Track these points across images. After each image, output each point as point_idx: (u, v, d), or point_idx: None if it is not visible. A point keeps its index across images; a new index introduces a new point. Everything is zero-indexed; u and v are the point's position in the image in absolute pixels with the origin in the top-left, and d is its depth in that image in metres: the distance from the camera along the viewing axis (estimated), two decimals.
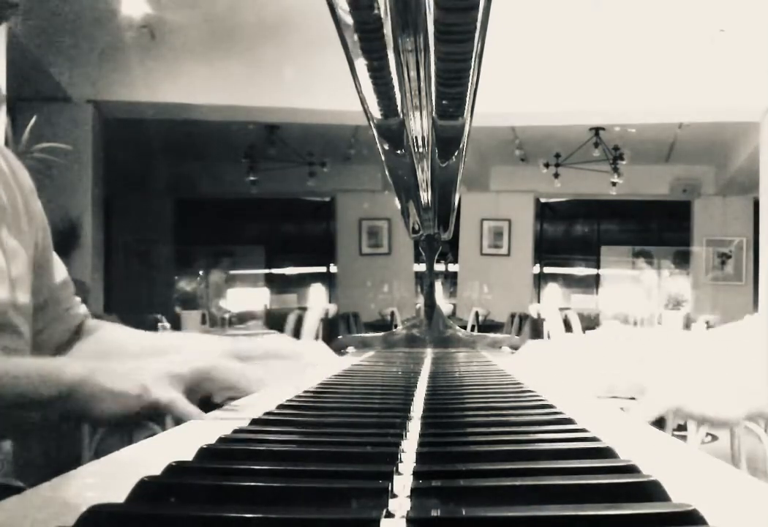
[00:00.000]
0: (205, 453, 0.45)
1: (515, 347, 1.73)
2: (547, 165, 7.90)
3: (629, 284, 9.77)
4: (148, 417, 0.73)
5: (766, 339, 0.76)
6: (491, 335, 1.81)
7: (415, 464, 0.42)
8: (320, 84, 4.87)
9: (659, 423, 4.47)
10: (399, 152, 1.16)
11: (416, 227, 1.75)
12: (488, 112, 4.83)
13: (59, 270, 1.05)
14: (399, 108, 0.93)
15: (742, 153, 7.49)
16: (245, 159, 8.04)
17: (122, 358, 0.98)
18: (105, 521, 0.33)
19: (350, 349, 1.77)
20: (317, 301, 9.48)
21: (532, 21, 4.95)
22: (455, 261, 9.05)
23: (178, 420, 0.69)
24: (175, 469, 0.40)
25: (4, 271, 0.86)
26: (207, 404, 0.82)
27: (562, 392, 0.81)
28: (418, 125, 1.00)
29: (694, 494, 0.37)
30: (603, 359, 0.83)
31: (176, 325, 6.28)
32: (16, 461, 0.90)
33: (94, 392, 0.70)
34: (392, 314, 7.80)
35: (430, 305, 1.77)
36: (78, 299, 1.10)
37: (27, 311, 0.90)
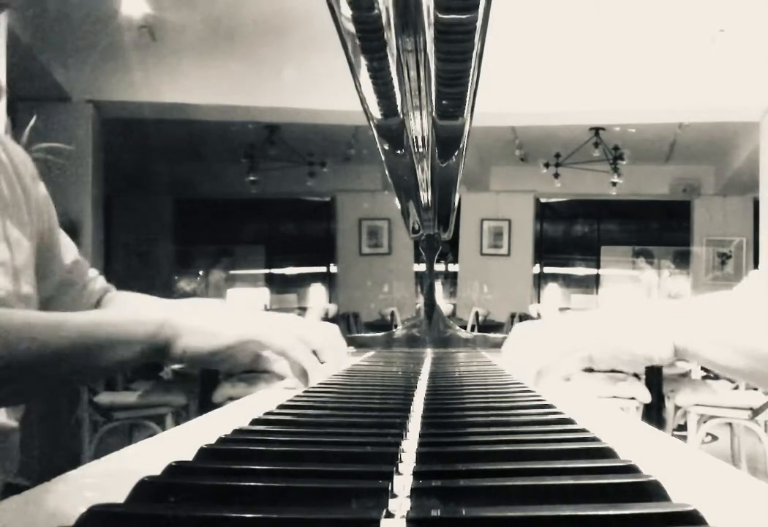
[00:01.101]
0: (205, 453, 0.45)
1: None
2: (547, 165, 7.90)
3: (629, 284, 9.77)
4: (237, 355, 0.77)
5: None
6: (491, 335, 1.81)
7: (415, 464, 0.43)
8: (320, 84, 4.87)
9: (659, 423, 4.47)
10: (399, 152, 1.16)
11: (416, 227, 1.75)
12: (488, 112, 4.84)
13: (69, 251, 1.05)
14: (399, 108, 0.93)
15: (742, 153, 7.49)
16: (245, 159, 8.04)
17: None
18: (105, 521, 0.33)
19: (350, 349, 1.77)
20: (317, 301, 9.48)
21: (532, 21, 4.95)
22: (455, 261, 9.05)
23: (178, 421, 0.69)
24: (175, 469, 0.40)
25: (8, 262, 0.86)
26: (207, 403, 0.82)
27: (561, 392, 0.81)
28: (418, 125, 1.00)
29: (694, 494, 0.37)
30: (569, 336, 0.85)
31: None
32: (19, 460, 0.90)
33: (180, 327, 0.74)
34: (392, 314, 7.79)
35: (430, 305, 1.77)
36: (95, 273, 1.11)
37: (31, 301, 0.91)
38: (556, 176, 7.94)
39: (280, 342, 0.78)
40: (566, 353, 0.82)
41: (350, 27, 0.69)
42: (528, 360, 0.87)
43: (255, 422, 0.59)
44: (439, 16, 0.64)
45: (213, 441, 0.48)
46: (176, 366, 3.92)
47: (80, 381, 0.84)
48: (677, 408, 4.21)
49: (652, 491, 0.36)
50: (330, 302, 9.19)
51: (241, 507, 0.34)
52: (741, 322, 0.73)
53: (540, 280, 9.80)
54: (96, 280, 1.10)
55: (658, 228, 10.06)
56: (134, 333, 0.73)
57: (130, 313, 0.79)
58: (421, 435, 0.51)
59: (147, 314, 0.76)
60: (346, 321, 7.31)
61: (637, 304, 0.83)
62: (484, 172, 9.04)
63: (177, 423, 3.36)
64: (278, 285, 9.95)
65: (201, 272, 9.86)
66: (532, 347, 0.88)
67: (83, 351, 0.70)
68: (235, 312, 0.83)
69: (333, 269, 9.59)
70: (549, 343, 0.84)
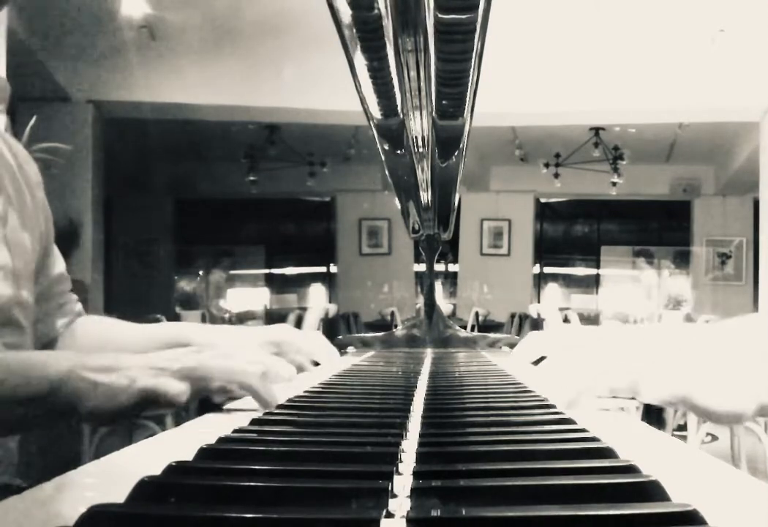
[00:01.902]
0: (205, 453, 0.45)
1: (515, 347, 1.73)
2: (547, 165, 7.90)
3: (629, 284, 9.77)
4: (140, 409, 0.69)
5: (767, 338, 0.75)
6: (491, 335, 1.81)
7: (415, 464, 0.43)
8: (320, 84, 4.87)
9: (659, 423, 4.47)
10: (399, 152, 1.16)
11: (416, 227, 1.75)
12: (488, 112, 4.84)
13: (58, 263, 1.04)
14: (399, 108, 0.93)
15: (742, 153, 7.49)
16: (245, 159, 8.04)
17: (110, 351, 0.98)
18: (105, 521, 0.33)
19: (350, 349, 1.77)
20: (317, 301, 9.48)
21: (532, 21, 4.95)
22: (455, 261, 9.05)
23: (179, 421, 0.69)
24: (175, 469, 0.40)
25: (9, 268, 0.86)
26: (206, 404, 0.82)
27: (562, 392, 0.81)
28: (418, 125, 1.00)
29: (694, 494, 0.37)
30: (602, 358, 0.81)
31: None
32: (18, 460, 0.90)
33: (80, 387, 0.66)
34: (392, 314, 7.79)
35: (430, 305, 1.77)
36: (74, 296, 1.08)
37: (29, 307, 0.90)
38: (556, 176, 7.94)
39: (174, 390, 0.69)
40: (617, 388, 0.75)
41: (350, 27, 0.69)
42: (571, 381, 0.80)
43: (255, 422, 0.59)
44: (439, 16, 0.64)
45: (213, 441, 0.48)
46: None
47: None
48: None
49: (652, 491, 0.36)
50: (330, 302, 9.20)
51: (241, 507, 0.34)
52: None
53: (540, 280, 9.80)
54: (74, 302, 1.07)
55: (658, 228, 10.06)
56: (24, 391, 0.65)
57: (28, 364, 0.68)
58: (421, 435, 0.51)
59: (46, 368, 0.67)
60: (346, 321, 7.31)
61: (708, 344, 0.75)
62: (484, 172, 9.04)
63: (177, 423, 3.36)
64: (278, 285, 9.95)
65: (201, 272, 9.86)
66: (579, 367, 0.80)
67: None
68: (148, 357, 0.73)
69: (333, 269, 9.59)
70: (600, 368, 0.77)
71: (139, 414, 0.71)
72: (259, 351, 0.92)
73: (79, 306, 1.09)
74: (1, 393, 0.65)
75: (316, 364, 1.13)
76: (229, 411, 0.76)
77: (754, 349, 0.72)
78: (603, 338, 0.82)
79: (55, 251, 1.04)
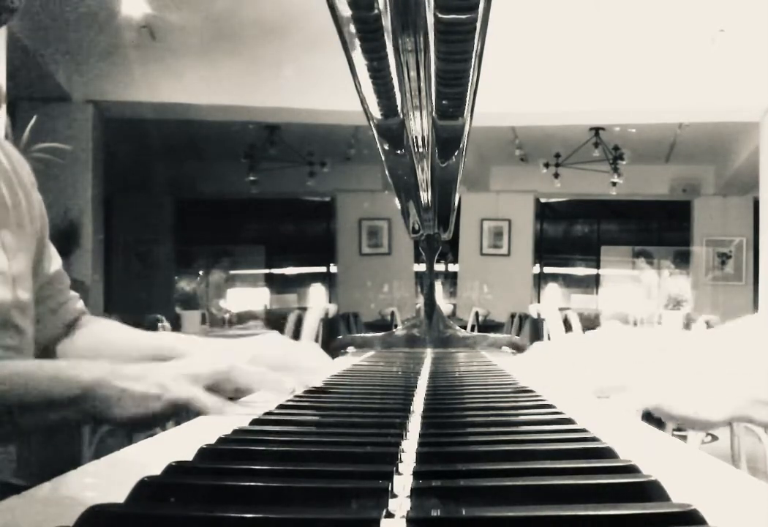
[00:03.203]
0: (205, 453, 0.45)
1: (516, 347, 1.73)
2: (547, 165, 7.90)
3: (629, 284, 9.77)
4: (168, 417, 0.72)
5: (766, 339, 0.75)
6: (491, 335, 1.81)
7: (415, 464, 0.43)
8: (320, 84, 4.87)
9: (659, 423, 4.47)
10: (399, 152, 1.15)
11: (416, 227, 1.75)
12: (488, 112, 4.84)
13: (54, 261, 1.04)
14: (399, 108, 0.93)
15: (742, 153, 7.49)
16: (245, 159, 8.04)
17: (112, 355, 0.98)
18: (105, 521, 0.33)
19: (350, 349, 1.77)
20: (317, 301, 9.48)
21: (532, 21, 4.95)
22: (455, 261, 9.05)
23: (179, 421, 0.69)
24: (175, 469, 0.40)
25: (6, 271, 0.86)
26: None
27: (562, 392, 0.81)
28: (418, 125, 1.00)
29: (694, 494, 0.37)
30: (595, 360, 0.82)
31: (176, 325, 6.27)
32: (18, 460, 0.90)
33: (111, 393, 0.69)
34: (392, 314, 7.79)
35: (430, 305, 1.77)
36: (75, 294, 1.08)
37: (28, 309, 0.90)
38: (556, 176, 7.94)
39: (206, 402, 0.71)
40: (605, 389, 0.78)
41: (350, 27, 0.69)
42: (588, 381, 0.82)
43: (255, 422, 0.59)
44: (439, 16, 0.64)
45: (213, 441, 0.48)
46: None
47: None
48: None
49: (652, 491, 0.36)
50: (330, 302, 9.19)
51: (241, 507, 0.34)
52: None
53: (540, 280, 9.80)
54: (75, 300, 1.08)
55: (658, 228, 10.07)
56: (56, 397, 0.68)
57: (59, 370, 0.72)
58: (421, 435, 0.51)
59: (77, 375, 0.70)
60: (346, 321, 7.31)
61: (685, 352, 0.78)
62: (484, 172, 9.04)
63: (177, 423, 3.36)
64: (278, 285, 9.95)
65: (201, 272, 9.86)
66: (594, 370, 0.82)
67: None
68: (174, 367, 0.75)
69: (333, 269, 9.59)
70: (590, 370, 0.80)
71: (167, 420, 0.74)
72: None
73: (80, 304, 1.08)
74: (33, 397, 0.67)
75: None
76: (229, 410, 0.76)
77: (746, 355, 0.74)
78: (599, 345, 0.84)
79: (51, 250, 1.03)
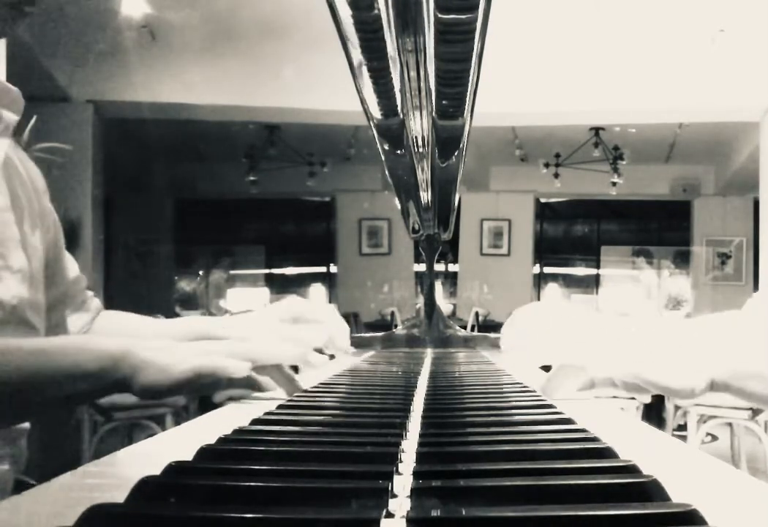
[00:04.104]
0: (205, 453, 0.45)
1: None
2: (547, 165, 7.89)
3: (629, 284, 9.77)
4: (196, 387, 0.74)
5: (764, 328, 0.76)
6: (491, 335, 1.81)
7: (415, 464, 0.43)
8: (320, 84, 4.86)
9: (659, 423, 4.46)
10: (399, 152, 1.15)
11: (416, 227, 1.75)
12: (488, 112, 4.84)
13: (72, 266, 1.07)
14: (399, 108, 0.93)
15: (742, 153, 7.48)
16: (245, 159, 8.04)
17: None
18: (105, 521, 0.33)
19: (350, 349, 1.77)
20: (317, 301, 9.48)
21: (532, 21, 4.95)
22: (455, 261, 9.05)
23: (179, 421, 0.69)
24: (175, 469, 0.40)
25: (26, 270, 0.87)
26: (208, 404, 0.82)
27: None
28: (418, 125, 1.00)
29: (694, 494, 0.37)
30: (577, 337, 0.82)
31: None
32: (29, 455, 0.91)
33: (137, 364, 0.71)
34: (392, 314, 7.79)
35: (430, 305, 1.77)
36: (91, 293, 1.12)
37: (41, 308, 0.92)
38: (556, 176, 7.94)
39: (235, 371, 0.74)
40: (590, 374, 0.78)
41: (350, 27, 0.69)
42: (547, 355, 0.83)
43: (255, 422, 0.59)
44: (439, 16, 0.64)
45: (213, 441, 0.48)
46: None
47: (25, 414, 0.81)
48: (677, 408, 4.21)
49: (652, 491, 0.36)
50: (330, 302, 9.19)
51: (241, 507, 0.34)
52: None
53: (540, 280, 9.80)
54: (92, 299, 1.11)
55: (658, 228, 10.07)
56: (86, 367, 0.70)
57: (87, 343, 0.75)
58: (421, 435, 0.51)
59: (104, 346, 0.73)
60: (346, 321, 7.31)
61: (666, 329, 0.79)
62: (484, 172, 9.04)
63: (177, 423, 3.36)
64: (278, 285, 9.95)
65: (201, 272, 9.86)
66: (554, 342, 0.83)
67: (29, 381, 0.68)
68: (197, 343, 0.79)
69: (333, 269, 9.59)
70: (575, 351, 0.80)
71: (193, 391, 0.76)
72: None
73: (97, 302, 1.12)
74: (64, 369, 0.69)
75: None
76: (229, 410, 0.76)
77: (716, 333, 0.76)
78: (583, 320, 0.84)
79: (67, 255, 1.07)
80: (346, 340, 1.08)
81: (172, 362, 0.72)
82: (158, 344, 0.76)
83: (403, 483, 0.38)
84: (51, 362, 0.69)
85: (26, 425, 0.89)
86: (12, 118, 0.93)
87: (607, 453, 0.44)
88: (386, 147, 1.15)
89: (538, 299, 9.45)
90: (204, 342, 0.82)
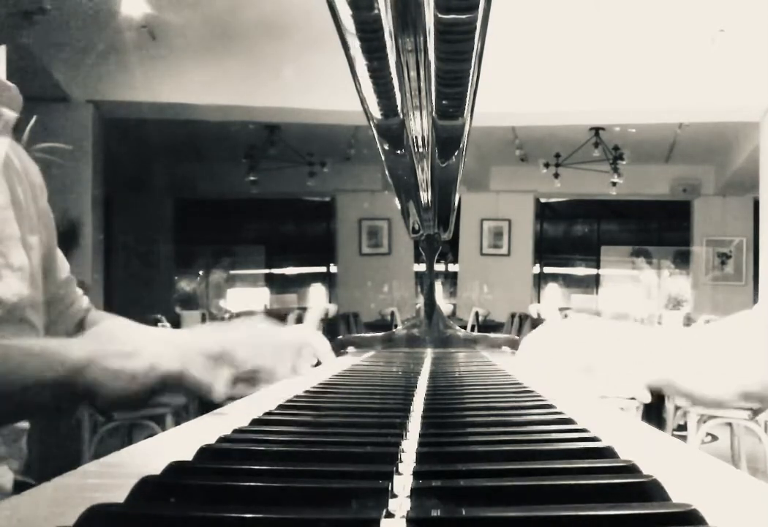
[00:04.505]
0: (205, 453, 0.45)
1: (515, 347, 1.73)
2: (547, 165, 7.89)
3: (629, 284, 9.77)
4: (160, 393, 0.72)
5: (765, 333, 0.76)
6: (491, 335, 1.81)
7: (415, 464, 0.43)
8: (320, 84, 4.87)
9: (659, 423, 4.46)
10: (399, 152, 1.15)
11: (416, 227, 1.75)
12: (488, 112, 4.84)
13: (63, 267, 1.07)
14: (399, 108, 0.93)
15: (742, 153, 7.48)
16: (245, 159, 8.04)
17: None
18: (105, 521, 0.33)
19: (350, 349, 1.77)
20: (317, 301, 9.48)
21: (532, 21, 4.95)
22: (455, 261, 9.05)
23: (178, 421, 0.69)
24: (175, 469, 0.40)
25: (26, 268, 0.87)
26: (206, 404, 0.82)
27: (562, 392, 0.81)
28: (418, 125, 1.00)
29: (694, 494, 0.37)
30: (587, 337, 0.83)
31: (176, 325, 6.28)
32: (29, 456, 0.91)
33: (100, 373, 0.68)
34: (392, 314, 7.79)
35: (430, 305, 1.77)
36: (80, 291, 1.11)
37: (39, 307, 0.92)
38: (556, 176, 7.94)
39: (198, 377, 0.72)
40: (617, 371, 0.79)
41: (350, 27, 0.69)
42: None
43: (255, 422, 0.59)
44: (439, 16, 0.64)
45: (213, 441, 0.48)
46: None
47: None
48: (677, 408, 4.21)
49: (652, 491, 0.36)
50: (330, 302, 9.20)
51: (241, 507, 0.34)
52: (730, 353, 0.71)
53: (540, 280, 9.80)
54: (81, 299, 1.10)
55: (658, 228, 10.07)
56: (46, 376, 0.67)
57: (50, 349, 0.71)
58: (421, 435, 0.51)
59: (67, 353, 0.69)
60: (346, 321, 7.31)
61: (695, 337, 0.81)
62: (484, 172, 9.04)
63: (177, 423, 3.36)
64: (278, 285, 9.95)
65: (201, 272, 9.86)
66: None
67: None
68: (164, 344, 0.76)
69: (333, 269, 9.60)
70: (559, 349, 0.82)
71: (159, 397, 0.74)
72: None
73: (86, 301, 1.11)
74: (21, 377, 0.66)
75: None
76: (229, 409, 0.76)
77: (745, 343, 0.75)
78: (606, 331, 0.84)
79: (60, 255, 1.06)
80: (325, 346, 1.06)
81: (137, 370, 0.69)
82: (127, 347, 0.72)
83: (403, 483, 0.38)
84: (12, 370, 0.66)
85: (26, 425, 0.89)
86: (11, 115, 0.92)
87: (607, 452, 0.44)
88: (386, 147, 1.15)
89: (538, 299, 9.46)
90: (172, 340, 0.78)
